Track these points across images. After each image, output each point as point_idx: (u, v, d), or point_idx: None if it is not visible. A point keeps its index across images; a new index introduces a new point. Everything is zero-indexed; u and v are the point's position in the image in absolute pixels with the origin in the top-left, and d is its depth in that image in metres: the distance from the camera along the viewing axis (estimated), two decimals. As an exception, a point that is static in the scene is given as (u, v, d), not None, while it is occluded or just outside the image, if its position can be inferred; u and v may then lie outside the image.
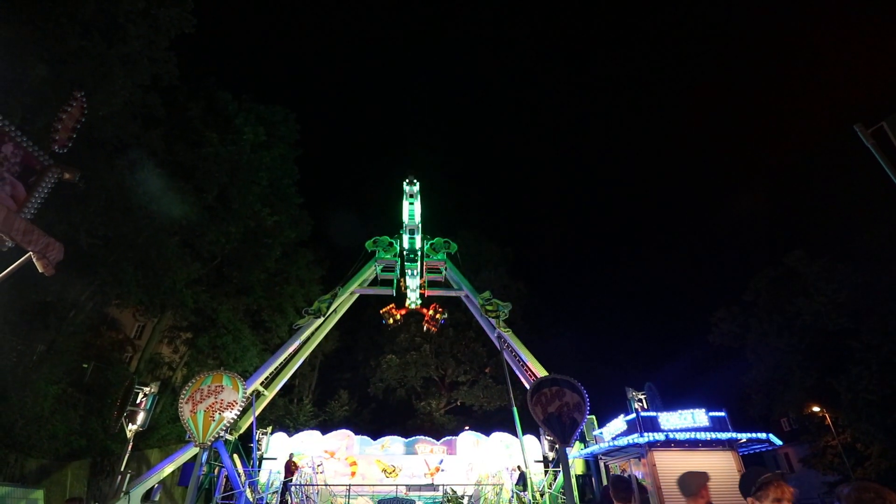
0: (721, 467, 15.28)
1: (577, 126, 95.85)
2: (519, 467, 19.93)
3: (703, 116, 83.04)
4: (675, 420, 16.12)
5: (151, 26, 18.93)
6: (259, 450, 21.05)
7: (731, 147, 79.15)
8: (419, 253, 23.33)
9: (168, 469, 18.15)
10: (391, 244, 24.35)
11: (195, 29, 20.80)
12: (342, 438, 24.33)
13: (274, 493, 19.71)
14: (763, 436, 15.63)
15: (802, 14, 66.44)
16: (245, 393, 17.89)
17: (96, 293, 22.73)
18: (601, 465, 19.03)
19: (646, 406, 18.63)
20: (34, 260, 6.67)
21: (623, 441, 15.94)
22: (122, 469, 15.73)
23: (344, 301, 23.63)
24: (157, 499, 18.02)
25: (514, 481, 20.05)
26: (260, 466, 20.84)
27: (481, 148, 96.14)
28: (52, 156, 7.14)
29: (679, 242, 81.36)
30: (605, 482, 18.60)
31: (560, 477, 17.52)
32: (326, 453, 23.58)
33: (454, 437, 25.18)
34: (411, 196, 21.65)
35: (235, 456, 19.86)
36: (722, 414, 16.32)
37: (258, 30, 78.26)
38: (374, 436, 25.34)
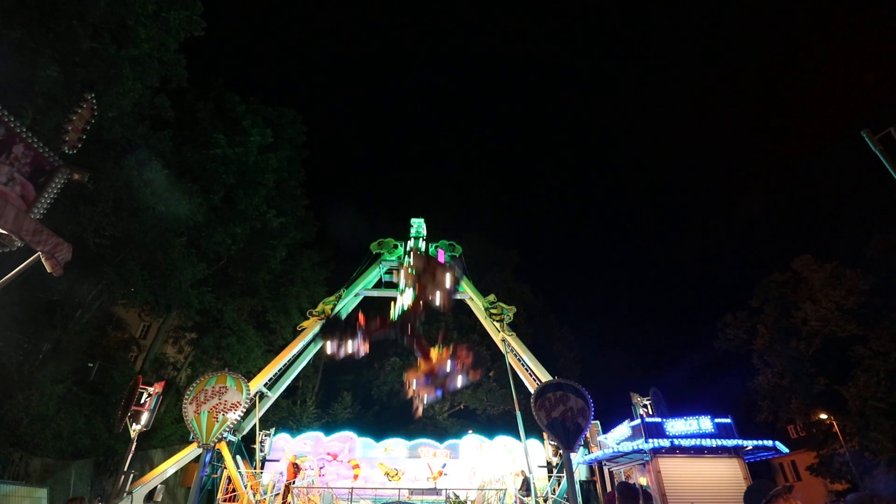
0: (727, 475, 15.16)
1: (584, 130, 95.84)
2: (523, 472, 19.83)
3: (710, 120, 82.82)
4: (681, 426, 15.99)
5: (161, 29, 19.09)
6: (262, 451, 21.05)
7: (738, 151, 78.85)
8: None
9: (171, 469, 18.19)
10: (396, 246, 24.40)
11: (204, 31, 20.97)
12: (345, 441, 24.31)
13: (276, 495, 19.70)
14: (769, 443, 15.48)
15: (812, 19, 66.18)
16: (249, 394, 17.96)
17: (103, 293, 22.86)
18: (605, 471, 18.90)
19: (651, 412, 18.50)
20: (43, 260, 6.71)
21: (627, 447, 15.83)
22: (125, 469, 15.76)
23: (348, 303, 23.67)
24: (160, 499, 18.04)
25: (518, 486, 19.94)
26: (263, 468, 20.84)
27: (486, 150, 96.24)
28: (61, 156, 7.19)
29: (686, 247, 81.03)
30: (608, 488, 18.48)
31: (563, 482, 17.42)
32: (329, 455, 23.57)
33: (457, 441, 25.08)
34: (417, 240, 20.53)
35: (238, 457, 19.88)
36: (728, 420, 16.18)
37: (267, 30, 78.82)
38: (377, 438, 25.27)
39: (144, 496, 17.03)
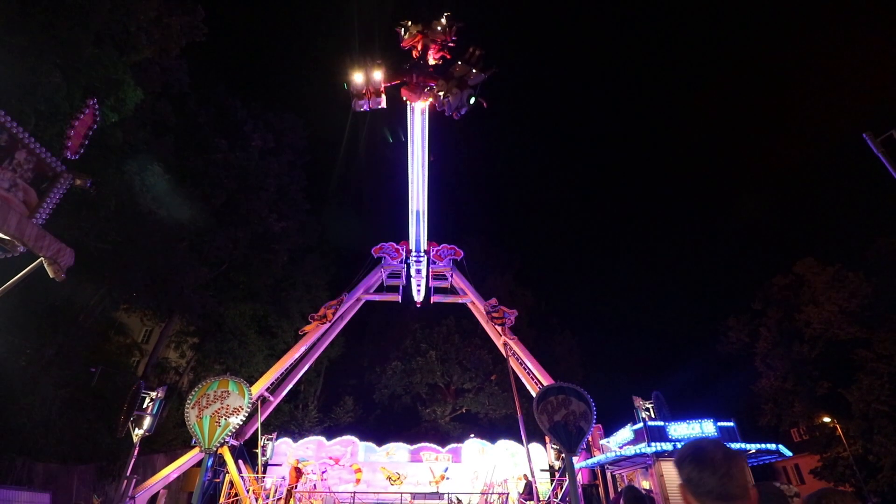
0: (730, 478, 15.07)
1: (583, 133, 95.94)
2: (525, 476, 19.76)
3: (712, 122, 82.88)
4: (684, 430, 15.94)
5: (163, 35, 19.21)
6: (264, 456, 21.02)
7: (740, 153, 78.82)
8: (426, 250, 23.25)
9: (173, 474, 18.18)
10: (397, 250, 24.41)
11: (206, 37, 21.09)
12: (347, 445, 24.27)
13: (278, 499, 19.66)
14: (773, 447, 15.42)
15: (815, 22, 66.28)
16: (251, 398, 17.94)
17: (105, 297, 22.92)
18: (608, 474, 18.83)
19: (653, 415, 18.42)
20: (45, 265, 6.74)
21: (630, 451, 15.77)
22: (127, 474, 15.74)
23: (350, 307, 23.66)
24: (162, 504, 18.06)
25: (521, 490, 19.88)
26: (265, 472, 20.81)
27: (486, 154, 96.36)
28: (64, 162, 7.22)
29: (687, 250, 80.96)
30: (611, 492, 18.41)
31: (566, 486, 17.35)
32: (331, 460, 23.52)
33: (459, 445, 25.00)
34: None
35: (241, 461, 19.86)
36: (731, 424, 16.13)
37: (268, 35, 79.15)
38: (379, 442, 25.22)
39: (147, 501, 17.01)
